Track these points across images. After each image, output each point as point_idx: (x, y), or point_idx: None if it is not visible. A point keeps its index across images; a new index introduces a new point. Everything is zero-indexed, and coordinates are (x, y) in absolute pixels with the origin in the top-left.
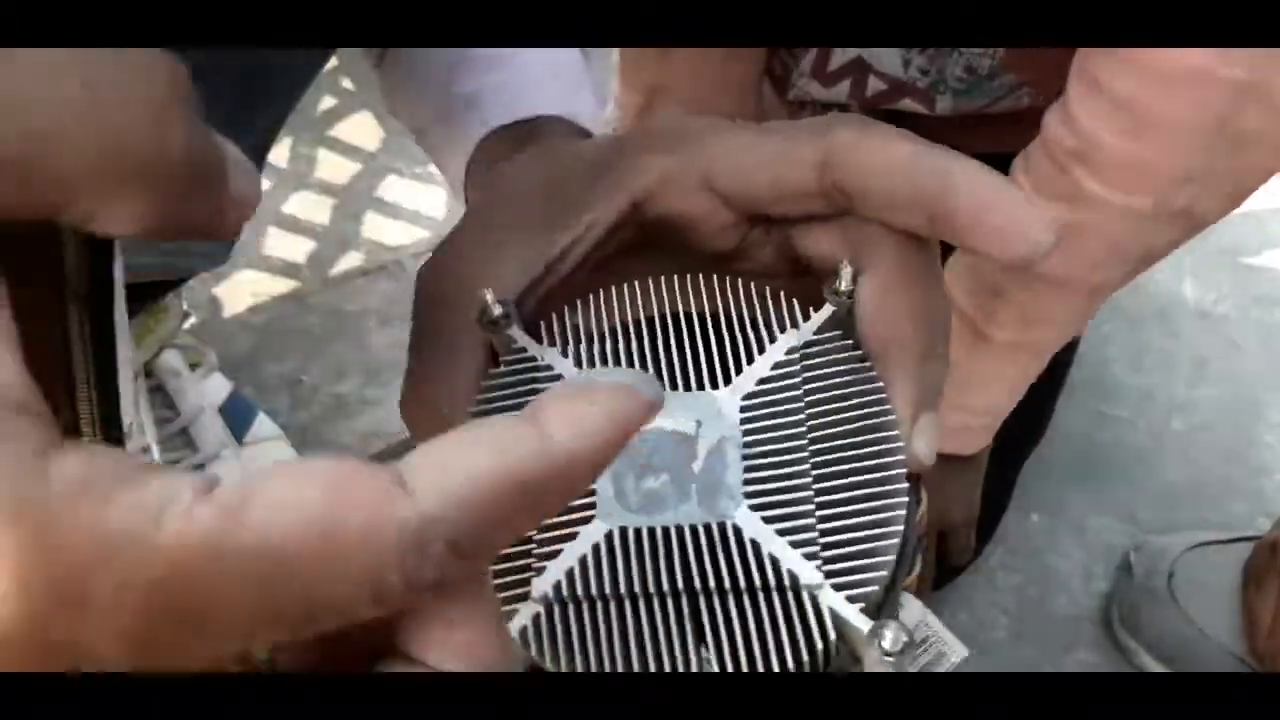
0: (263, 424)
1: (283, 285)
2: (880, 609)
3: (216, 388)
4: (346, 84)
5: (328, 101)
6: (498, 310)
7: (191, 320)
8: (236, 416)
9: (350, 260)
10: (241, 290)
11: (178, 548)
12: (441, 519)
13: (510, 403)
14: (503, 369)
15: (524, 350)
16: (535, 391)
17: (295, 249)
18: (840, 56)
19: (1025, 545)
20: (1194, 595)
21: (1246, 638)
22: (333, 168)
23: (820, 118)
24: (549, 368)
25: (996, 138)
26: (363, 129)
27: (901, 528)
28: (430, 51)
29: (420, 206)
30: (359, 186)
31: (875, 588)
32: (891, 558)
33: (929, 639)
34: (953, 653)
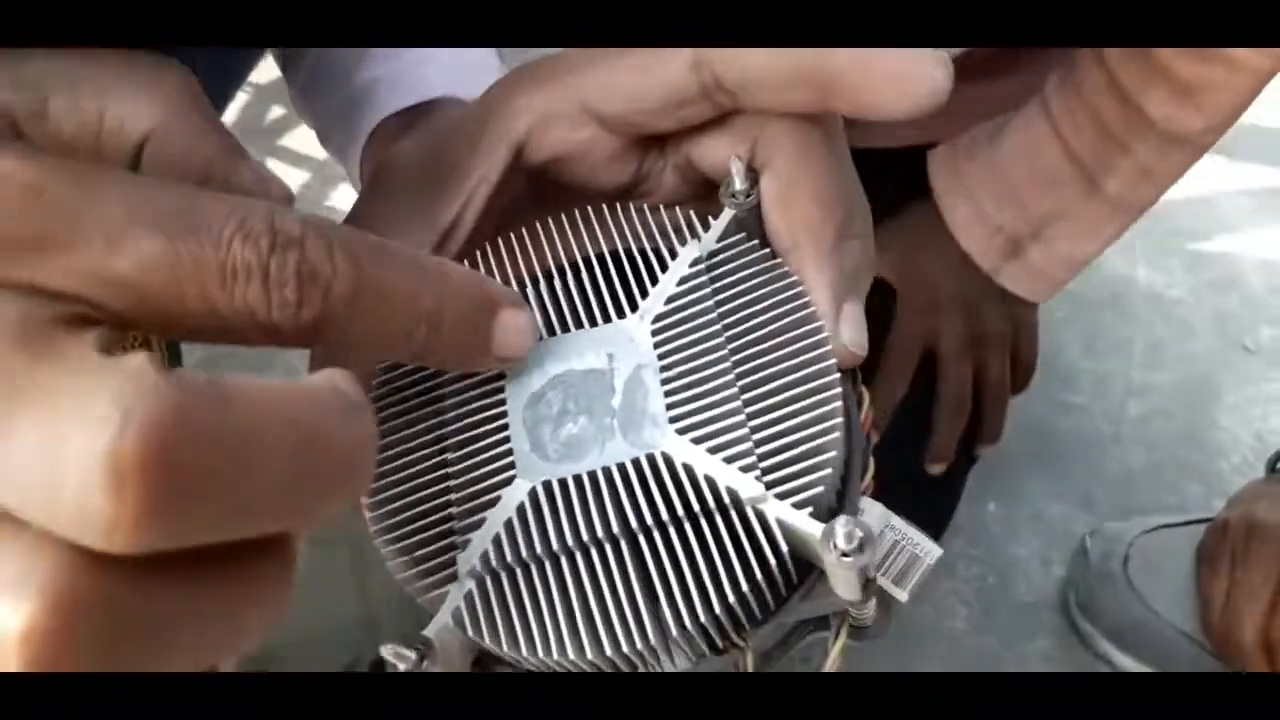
0: None
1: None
2: (834, 515)
3: None
4: None
5: (276, 112)
6: None
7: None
8: None
9: (344, 194)
10: None
11: None
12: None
13: (409, 382)
14: None
15: None
16: (432, 369)
17: (291, 181)
18: None
19: (983, 534)
20: (1149, 578)
21: (1200, 618)
22: (283, 177)
23: None
24: None
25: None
26: (312, 139)
27: (840, 423)
28: (332, 50)
29: None
30: (309, 195)
31: (822, 488)
32: (834, 454)
33: (899, 543)
34: (927, 554)
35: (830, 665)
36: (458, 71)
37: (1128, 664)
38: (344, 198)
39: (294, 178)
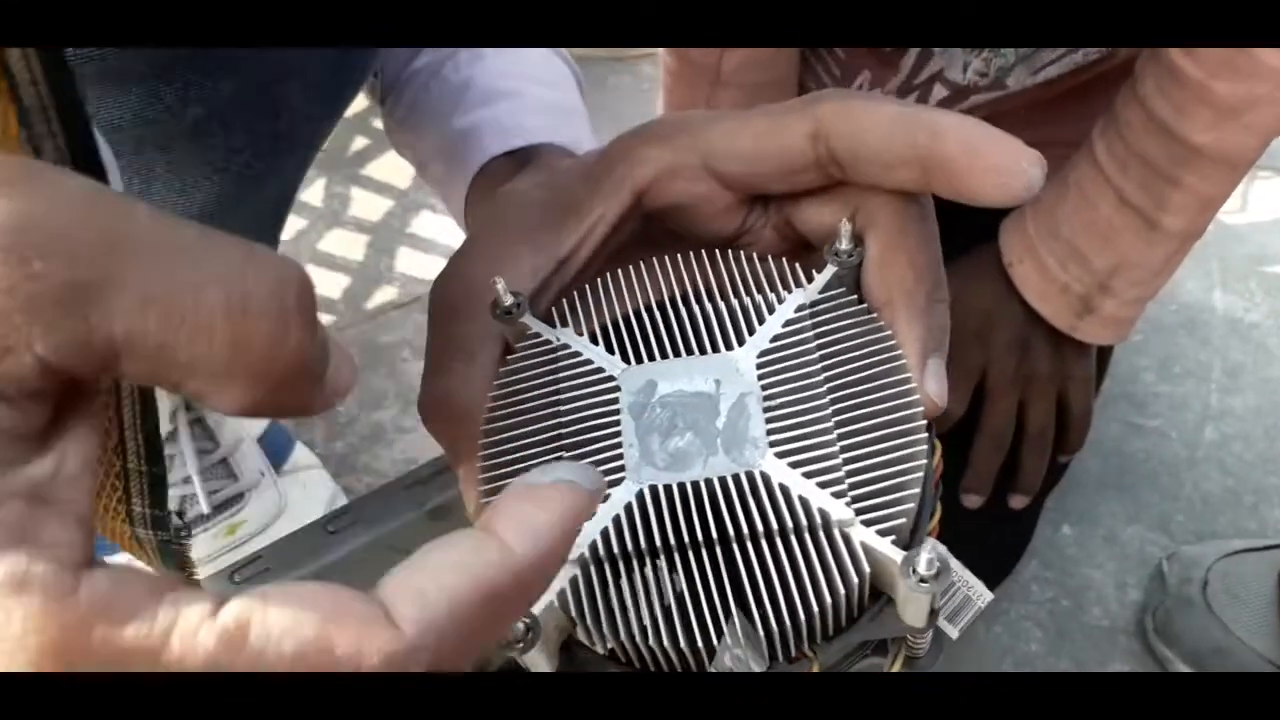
0: (300, 453)
1: (319, 320)
2: (908, 544)
3: (254, 419)
4: (376, 124)
5: (360, 142)
6: (509, 299)
7: None
8: (274, 446)
9: (384, 294)
10: None
11: (178, 667)
12: (422, 647)
13: (529, 385)
14: (519, 355)
15: (538, 335)
16: (555, 373)
17: (331, 285)
18: (903, 73)
19: (1058, 557)
20: (1229, 602)
21: None
22: (366, 205)
23: (804, 96)
24: (565, 347)
25: (1081, 103)
26: (394, 167)
27: (924, 462)
28: (430, 86)
29: (452, 241)
30: (391, 223)
31: (903, 520)
32: (917, 490)
33: (955, 584)
34: (979, 597)
35: None
36: (553, 117)
37: None
38: (424, 223)
39: (377, 205)
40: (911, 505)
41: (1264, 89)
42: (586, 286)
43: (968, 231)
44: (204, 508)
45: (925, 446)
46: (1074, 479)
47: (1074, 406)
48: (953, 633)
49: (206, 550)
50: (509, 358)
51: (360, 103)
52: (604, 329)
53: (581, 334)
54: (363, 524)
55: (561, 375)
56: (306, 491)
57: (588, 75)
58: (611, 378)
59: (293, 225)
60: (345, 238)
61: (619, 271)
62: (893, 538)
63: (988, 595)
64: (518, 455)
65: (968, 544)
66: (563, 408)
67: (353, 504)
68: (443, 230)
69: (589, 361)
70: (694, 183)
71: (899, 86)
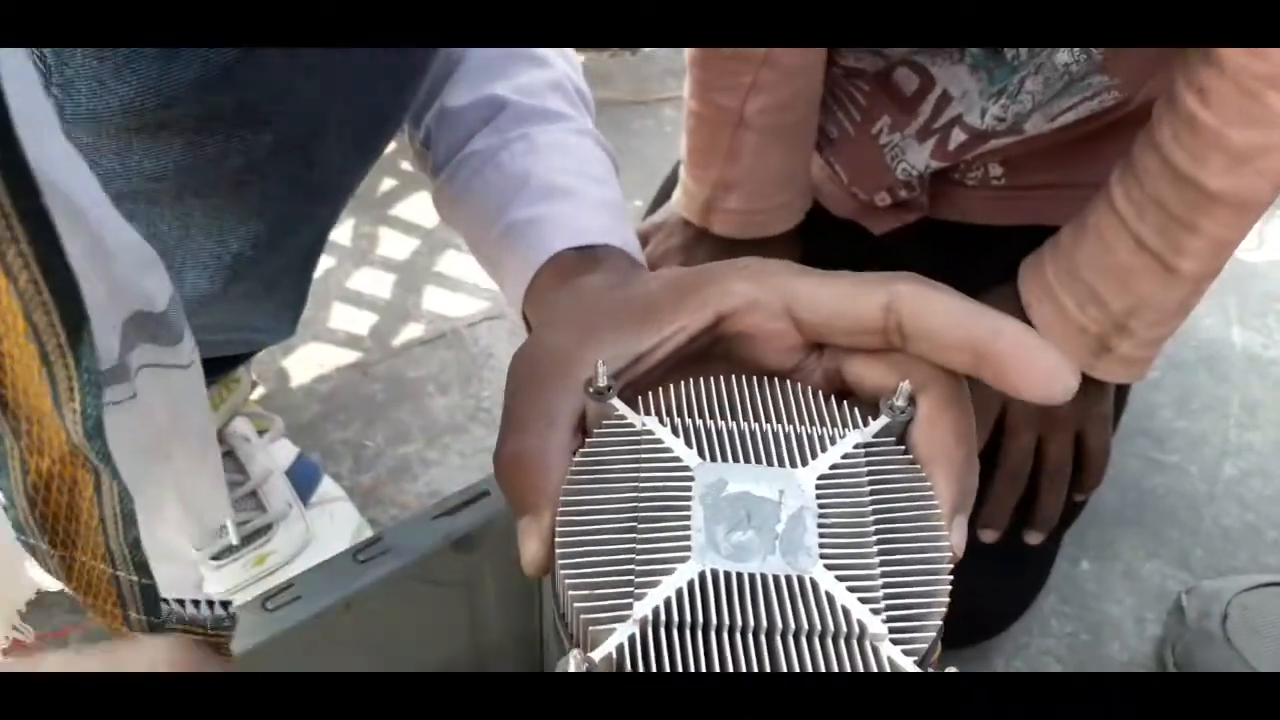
0: (327, 486)
1: (347, 356)
2: (922, 665)
3: (284, 452)
4: (405, 166)
5: (388, 183)
6: (604, 380)
7: (260, 391)
8: (302, 479)
9: (411, 331)
10: (307, 362)
11: None
12: None
13: (611, 460)
14: (605, 431)
15: (623, 418)
16: (636, 454)
17: (359, 322)
18: (921, 118)
19: (1077, 592)
20: (1249, 637)
21: None
22: (393, 244)
23: (885, 272)
24: (649, 433)
25: (1099, 146)
26: (421, 208)
27: (947, 600)
28: (485, 173)
29: (478, 279)
30: (419, 262)
31: (925, 646)
32: (939, 621)
33: None
34: None
35: None
36: (610, 217)
37: None
38: (450, 262)
39: (405, 244)
40: (933, 633)
41: (1277, 136)
42: (670, 386)
43: (989, 271)
44: (233, 539)
45: (949, 587)
46: (1092, 514)
47: (1092, 443)
48: None
49: (236, 580)
50: (596, 431)
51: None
52: (684, 426)
53: (665, 425)
54: (392, 553)
55: (643, 458)
56: (334, 523)
57: (610, 118)
58: (688, 468)
59: (322, 264)
60: (373, 276)
61: (699, 378)
62: (915, 658)
63: None
64: (595, 520)
65: (986, 579)
66: (641, 486)
67: (382, 534)
68: (469, 270)
69: (669, 450)
70: (771, 320)
71: (918, 130)
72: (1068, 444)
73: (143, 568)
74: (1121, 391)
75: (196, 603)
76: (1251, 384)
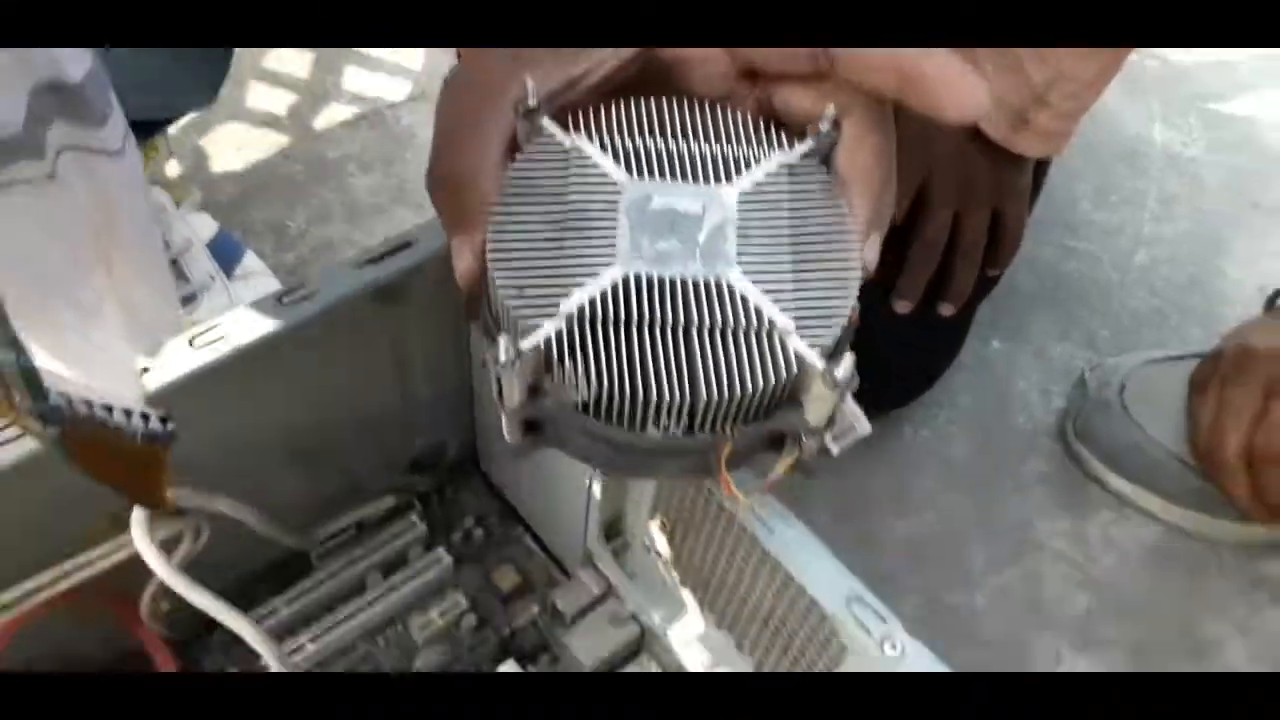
0: (250, 260)
1: (266, 136)
2: (830, 360)
3: (204, 224)
4: None
5: None
6: (534, 100)
7: (176, 169)
8: (224, 252)
9: (332, 112)
10: (224, 142)
11: None
12: None
13: (542, 176)
14: (535, 148)
15: (553, 136)
16: (565, 170)
17: (277, 101)
18: None
19: (986, 370)
20: (1144, 405)
21: (1189, 441)
22: (266, 99)
23: None
24: (579, 150)
25: None
26: (295, 61)
27: (854, 303)
28: None
29: (399, 59)
30: (300, 116)
31: (829, 341)
32: (844, 320)
33: (845, 412)
34: (861, 428)
35: (775, 474)
36: None
37: (1119, 484)
38: (329, 117)
39: (279, 99)
40: (839, 331)
41: None
42: (600, 106)
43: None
44: None
45: (856, 293)
46: (1006, 296)
47: (1008, 219)
48: (834, 450)
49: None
50: (526, 148)
51: None
52: (612, 145)
53: (592, 142)
54: (318, 296)
55: (572, 173)
56: (257, 296)
57: None
58: (615, 184)
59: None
60: (291, 55)
61: (627, 99)
62: (819, 351)
63: (868, 428)
64: (525, 229)
65: (899, 348)
66: (570, 199)
67: (306, 278)
68: (390, 49)
69: (597, 166)
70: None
71: None
72: (984, 219)
73: (14, 344)
74: (1039, 175)
75: (129, 413)
76: (1169, 179)
